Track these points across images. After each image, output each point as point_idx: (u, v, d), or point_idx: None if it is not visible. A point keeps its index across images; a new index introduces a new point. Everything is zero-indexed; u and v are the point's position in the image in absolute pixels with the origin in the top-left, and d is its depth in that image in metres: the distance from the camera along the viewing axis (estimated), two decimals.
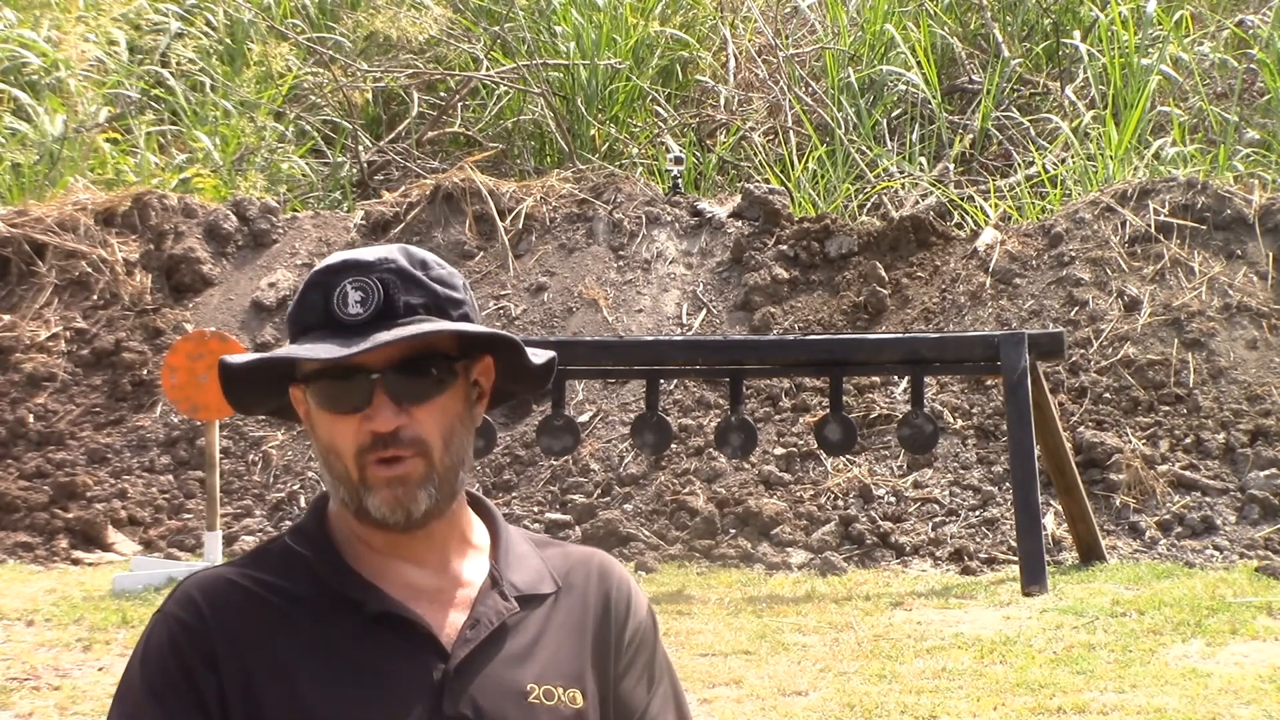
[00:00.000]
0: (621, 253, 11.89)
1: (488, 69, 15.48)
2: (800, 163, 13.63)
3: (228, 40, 15.93)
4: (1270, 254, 10.85)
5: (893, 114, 14.60)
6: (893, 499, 10.04)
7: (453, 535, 2.16)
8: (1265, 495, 9.60)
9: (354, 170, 15.03)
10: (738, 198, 12.24)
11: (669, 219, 12.08)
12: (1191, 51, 14.38)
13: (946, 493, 10.02)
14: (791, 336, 10.58)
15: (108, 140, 14.37)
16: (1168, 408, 10.21)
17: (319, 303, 2.09)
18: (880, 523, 9.82)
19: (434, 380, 2.08)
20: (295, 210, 13.30)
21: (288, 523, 9.90)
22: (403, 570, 2.13)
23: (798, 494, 10.13)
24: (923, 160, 13.70)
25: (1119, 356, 10.43)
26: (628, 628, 2.24)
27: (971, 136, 14.12)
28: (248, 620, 2.09)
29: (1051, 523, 9.54)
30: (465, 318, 2.12)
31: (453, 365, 2.11)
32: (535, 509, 10.30)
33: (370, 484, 2.07)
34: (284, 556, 2.15)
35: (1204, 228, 11.00)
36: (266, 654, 2.07)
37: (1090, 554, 9.11)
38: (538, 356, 2.19)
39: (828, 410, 9.31)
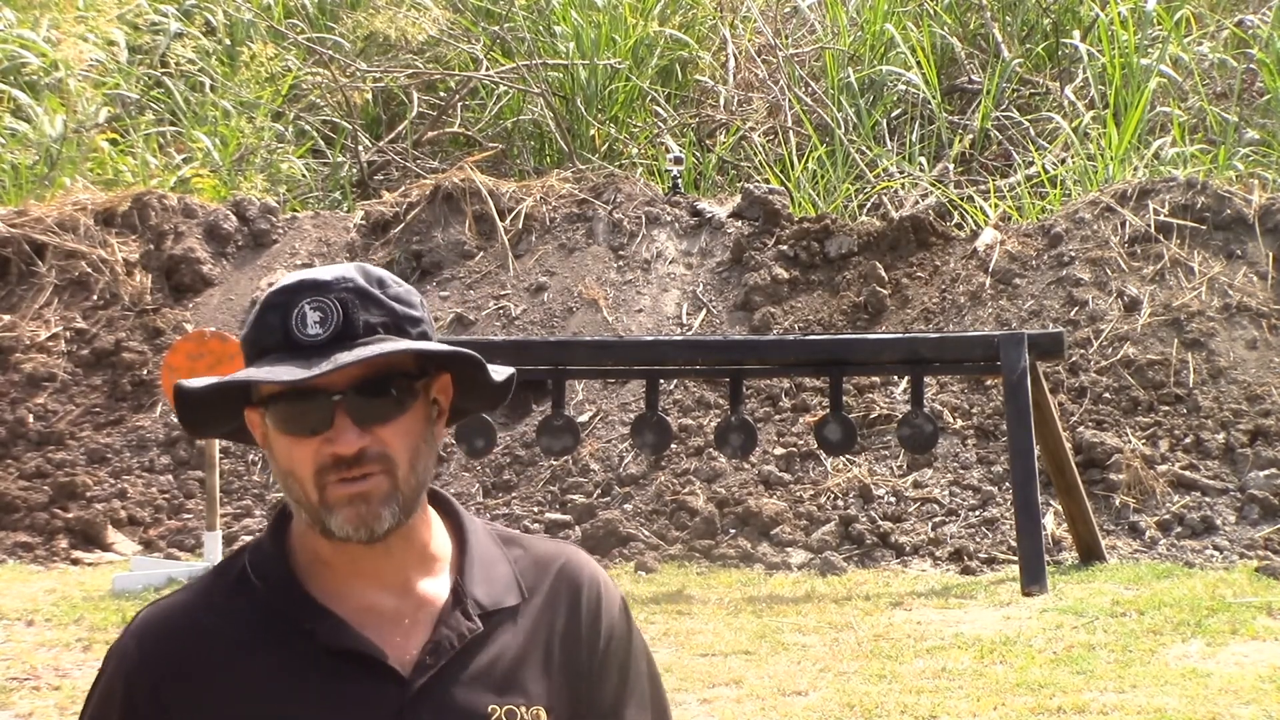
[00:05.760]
0: (621, 253, 11.89)
1: (487, 69, 15.48)
2: (800, 163, 13.63)
3: (227, 40, 15.94)
4: (1270, 254, 10.85)
5: (893, 114, 14.61)
6: (893, 499, 10.03)
7: (412, 550, 2.12)
8: (1265, 495, 9.60)
9: (354, 170, 15.03)
10: (738, 198, 12.24)
11: (669, 219, 12.08)
12: (1191, 51, 14.38)
13: (946, 493, 10.02)
14: (791, 336, 10.58)
15: (107, 140, 14.37)
16: (1168, 408, 10.20)
17: (276, 324, 2.05)
18: (880, 523, 9.82)
19: (395, 400, 2.05)
20: (295, 210, 13.30)
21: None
22: (363, 592, 2.10)
23: (798, 494, 10.13)
24: (923, 160, 13.70)
25: (1119, 356, 10.43)
26: (600, 634, 2.20)
27: (971, 136, 14.12)
28: (198, 656, 2.07)
29: (1051, 523, 9.54)
30: (424, 336, 2.10)
31: (413, 384, 2.07)
32: (535, 509, 10.30)
33: (331, 503, 2.03)
34: (241, 580, 2.12)
35: (1204, 228, 11.00)
36: (217, 690, 2.06)
37: (1090, 554, 9.10)
38: (498, 373, 2.15)
39: (828, 410, 9.31)
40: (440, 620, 2.10)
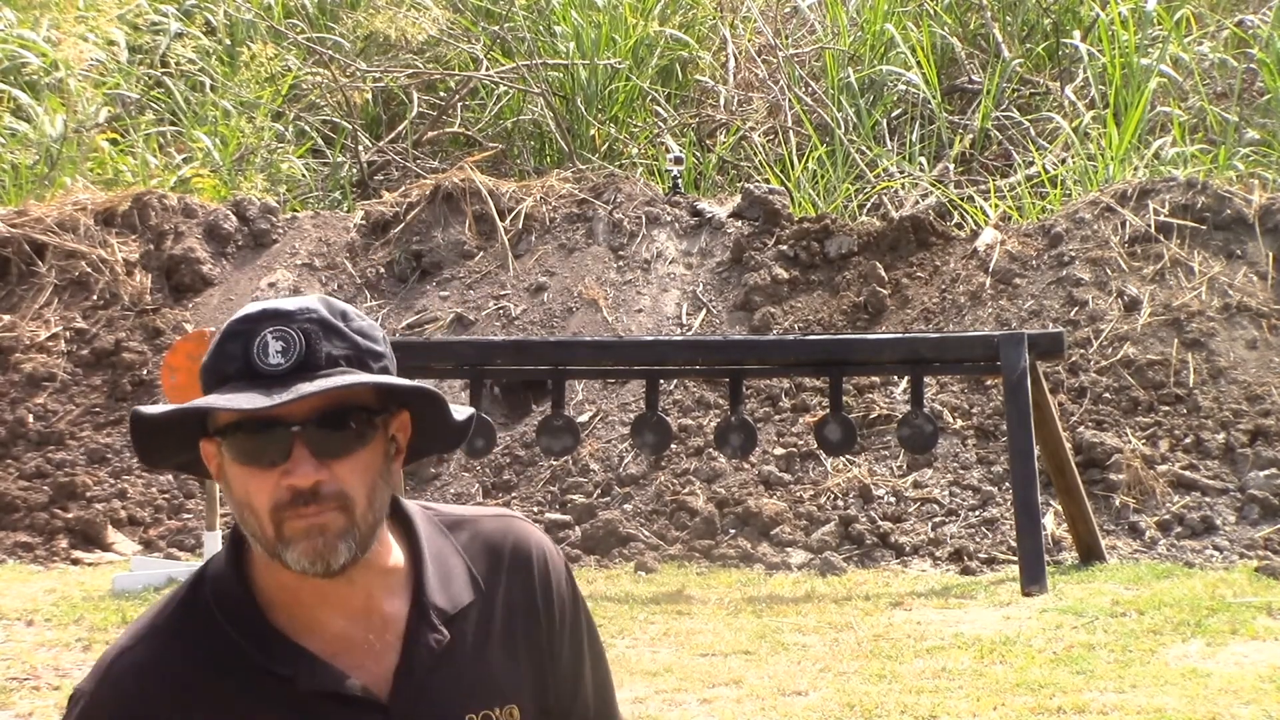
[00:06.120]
0: (621, 253, 11.89)
1: (487, 69, 15.48)
2: (800, 163, 13.63)
3: (227, 40, 15.94)
4: (1270, 254, 10.85)
5: (893, 114, 14.61)
6: (892, 499, 10.03)
7: (373, 572, 2.11)
8: (1265, 495, 9.60)
9: (354, 170, 15.03)
10: (738, 198, 12.24)
11: (669, 219, 12.08)
12: (1191, 51, 14.38)
13: (946, 493, 10.02)
14: (791, 336, 10.58)
15: (107, 140, 14.37)
16: (1168, 408, 10.20)
17: (237, 352, 2.02)
18: (880, 523, 9.82)
19: (354, 434, 2.03)
20: (295, 210, 13.30)
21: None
22: (331, 619, 2.09)
23: (798, 494, 10.13)
24: (923, 160, 13.70)
25: (1119, 356, 10.43)
26: (554, 606, 2.24)
27: (971, 136, 14.12)
28: (173, 705, 2.04)
29: (1051, 523, 9.54)
30: (385, 370, 2.08)
31: (372, 419, 2.06)
32: (535, 509, 10.30)
33: (288, 537, 2.01)
34: (206, 619, 2.08)
35: (1204, 228, 11.00)
36: None
37: (1090, 554, 9.10)
38: (458, 413, 2.15)
39: (828, 410, 9.31)
40: (409, 638, 2.11)
